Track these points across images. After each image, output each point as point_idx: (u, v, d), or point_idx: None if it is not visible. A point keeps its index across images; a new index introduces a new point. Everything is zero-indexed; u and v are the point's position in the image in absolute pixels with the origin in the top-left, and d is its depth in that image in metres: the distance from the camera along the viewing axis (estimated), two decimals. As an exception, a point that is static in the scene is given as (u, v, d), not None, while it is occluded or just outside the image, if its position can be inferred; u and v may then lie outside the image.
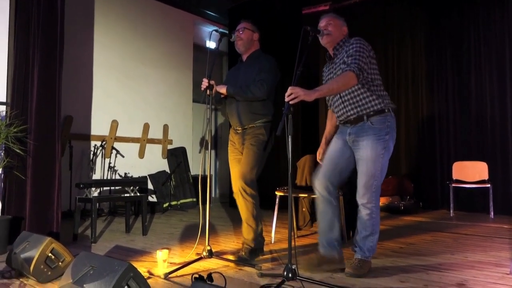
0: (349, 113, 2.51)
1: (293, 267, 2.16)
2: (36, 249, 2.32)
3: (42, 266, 2.31)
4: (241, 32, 2.95)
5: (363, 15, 5.87)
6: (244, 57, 3.03)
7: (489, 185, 4.76)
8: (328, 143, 2.76)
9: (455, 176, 5.10)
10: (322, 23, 2.58)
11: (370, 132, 2.43)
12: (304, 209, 4.15)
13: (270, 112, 2.93)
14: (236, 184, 2.81)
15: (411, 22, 5.77)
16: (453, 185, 4.98)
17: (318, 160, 2.77)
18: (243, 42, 2.95)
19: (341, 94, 2.51)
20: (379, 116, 2.45)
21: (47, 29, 3.46)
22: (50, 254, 2.34)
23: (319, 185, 2.57)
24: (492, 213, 4.72)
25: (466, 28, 5.35)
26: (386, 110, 2.46)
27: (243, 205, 2.80)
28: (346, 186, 3.40)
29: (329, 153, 2.62)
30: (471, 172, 5.01)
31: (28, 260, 2.30)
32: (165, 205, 5.85)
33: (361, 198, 2.46)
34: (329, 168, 2.57)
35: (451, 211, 4.93)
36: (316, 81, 5.52)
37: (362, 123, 2.47)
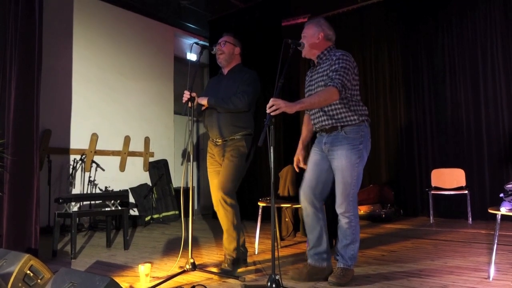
0: (324, 123, 2.57)
1: (276, 278, 2.17)
2: (14, 266, 2.26)
3: (20, 284, 2.24)
4: (222, 46, 2.97)
5: (341, 26, 5.99)
6: (225, 71, 3.04)
7: (466, 192, 4.87)
8: (304, 148, 2.80)
9: (433, 183, 5.21)
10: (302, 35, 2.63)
11: (344, 142, 2.49)
12: (287, 219, 4.16)
13: (251, 124, 2.95)
14: (216, 195, 2.81)
15: (387, 32, 5.92)
16: (432, 192, 5.08)
17: (295, 167, 2.78)
18: (224, 55, 2.97)
19: None
20: (353, 126, 2.50)
21: (25, 40, 3.38)
22: (28, 272, 2.28)
23: (305, 199, 2.60)
24: (470, 219, 4.82)
25: (440, 36, 5.52)
26: (360, 121, 2.52)
27: (224, 216, 2.81)
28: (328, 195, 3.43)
29: (310, 166, 2.66)
30: (449, 179, 5.12)
31: (5, 278, 2.23)
32: (147, 218, 5.77)
33: (339, 207, 2.50)
34: (312, 182, 2.60)
35: (431, 218, 5.03)
36: (297, 93, 5.59)
37: (336, 133, 2.52)
